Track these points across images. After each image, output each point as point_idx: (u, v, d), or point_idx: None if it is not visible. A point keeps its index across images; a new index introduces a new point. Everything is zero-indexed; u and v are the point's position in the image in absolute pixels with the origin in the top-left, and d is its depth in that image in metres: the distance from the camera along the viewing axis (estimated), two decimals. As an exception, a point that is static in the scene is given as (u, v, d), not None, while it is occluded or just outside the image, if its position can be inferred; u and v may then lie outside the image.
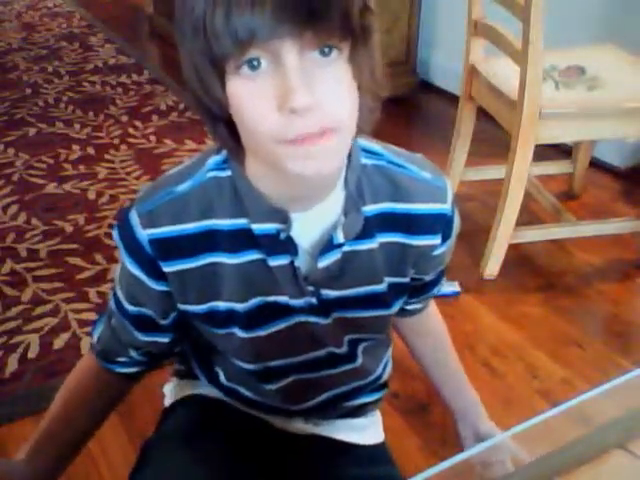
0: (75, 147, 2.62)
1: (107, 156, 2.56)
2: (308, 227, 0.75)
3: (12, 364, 1.62)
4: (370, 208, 0.77)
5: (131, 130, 2.75)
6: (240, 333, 0.80)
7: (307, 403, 0.92)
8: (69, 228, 2.14)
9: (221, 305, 0.78)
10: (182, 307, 0.80)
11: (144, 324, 0.83)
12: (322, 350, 0.85)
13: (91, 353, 0.90)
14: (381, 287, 0.82)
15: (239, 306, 0.78)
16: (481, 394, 1.55)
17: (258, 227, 0.74)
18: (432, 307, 1.05)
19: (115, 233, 0.78)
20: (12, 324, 1.75)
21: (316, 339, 0.84)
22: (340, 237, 0.76)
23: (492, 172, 2.17)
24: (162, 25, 3.73)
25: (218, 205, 0.75)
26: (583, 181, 2.27)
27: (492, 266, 1.90)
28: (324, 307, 0.80)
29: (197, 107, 0.69)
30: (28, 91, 3.11)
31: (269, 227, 0.74)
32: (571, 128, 1.79)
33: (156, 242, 0.74)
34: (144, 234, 0.74)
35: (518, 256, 1.98)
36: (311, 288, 0.78)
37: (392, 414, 1.50)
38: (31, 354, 1.65)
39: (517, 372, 1.64)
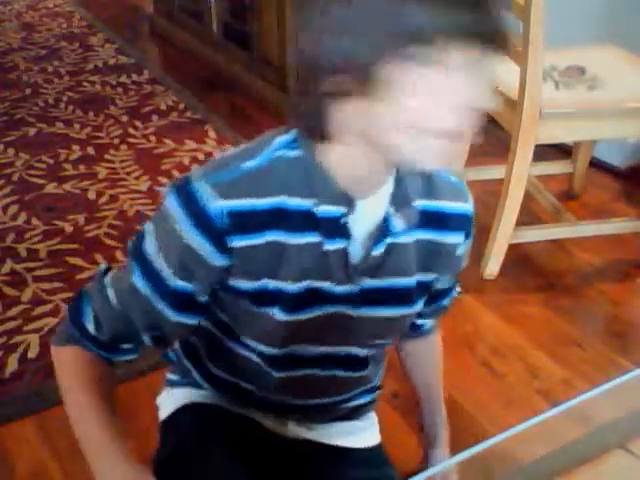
0: (75, 147, 2.62)
1: (107, 156, 2.56)
2: (363, 215, 0.78)
3: (12, 364, 1.62)
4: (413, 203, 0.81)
5: (131, 130, 2.75)
6: (279, 314, 0.80)
7: (307, 401, 0.92)
8: (69, 228, 2.14)
9: (271, 284, 0.78)
10: (233, 282, 0.79)
11: (183, 302, 0.80)
12: (343, 347, 0.87)
13: (75, 347, 0.84)
14: (411, 282, 0.84)
15: (289, 287, 0.78)
16: (481, 394, 1.55)
17: (323, 209, 0.76)
18: (437, 339, 1.08)
19: (177, 205, 0.75)
20: (12, 324, 1.75)
21: (344, 333, 0.85)
22: (397, 225, 0.79)
23: (492, 172, 2.17)
24: (162, 25, 3.73)
25: (287, 184, 0.75)
26: (583, 181, 2.27)
27: (492, 266, 1.90)
28: (363, 297, 0.82)
29: (307, 84, 0.71)
30: (28, 91, 3.10)
31: (333, 210, 0.76)
32: (571, 128, 1.79)
33: (232, 214, 0.74)
34: (219, 205, 0.73)
35: (518, 256, 1.98)
36: (356, 276, 0.80)
37: (392, 414, 1.50)
38: (31, 354, 1.65)
39: (517, 372, 1.64)
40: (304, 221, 0.76)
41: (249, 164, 0.75)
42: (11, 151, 2.59)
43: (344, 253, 0.78)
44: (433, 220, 0.83)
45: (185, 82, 3.18)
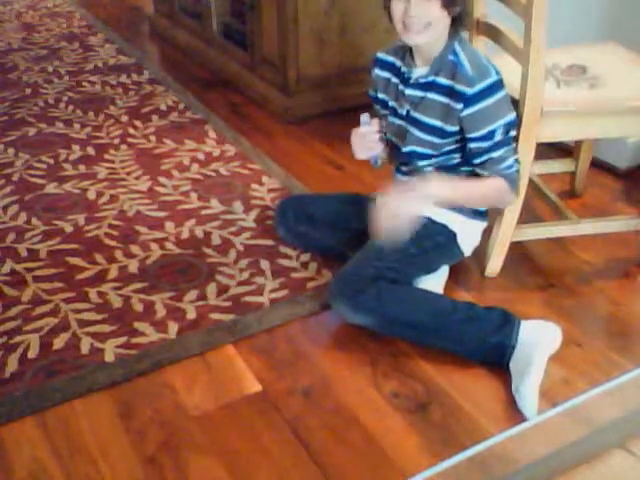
0: (75, 147, 2.62)
1: (107, 156, 2.56)
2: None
3: (12, 364, 1.62)
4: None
5: (131, 130, 2.75)
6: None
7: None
8: (69, 228, 2.14)
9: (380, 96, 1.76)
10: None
11: None
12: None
13: None
14: (436, 123, 1.65)
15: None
16: (481, 394, 1.55)
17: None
18: (492, 180, 1.66)
19: None
20: (12, 324, 1.75)
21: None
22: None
23: (493, 171, 2.16)
24: (162, 25, 3.73)
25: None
26: (584, 180, 2.27)
27: (493, 264, 1.89)
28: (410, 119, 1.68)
29: None
30: (28, 91, 3.10)
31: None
32: (573, 126, 1.79)
33: None
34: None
35: (519, 254, 1.98)
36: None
37: (392, 414, 1.49)
38: (31, 354, 1.65)
39: (518, 372, 1.63)
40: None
41: None
42: (11, 151, 2.59)
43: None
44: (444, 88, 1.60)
45: (185, 82, 3.18)
